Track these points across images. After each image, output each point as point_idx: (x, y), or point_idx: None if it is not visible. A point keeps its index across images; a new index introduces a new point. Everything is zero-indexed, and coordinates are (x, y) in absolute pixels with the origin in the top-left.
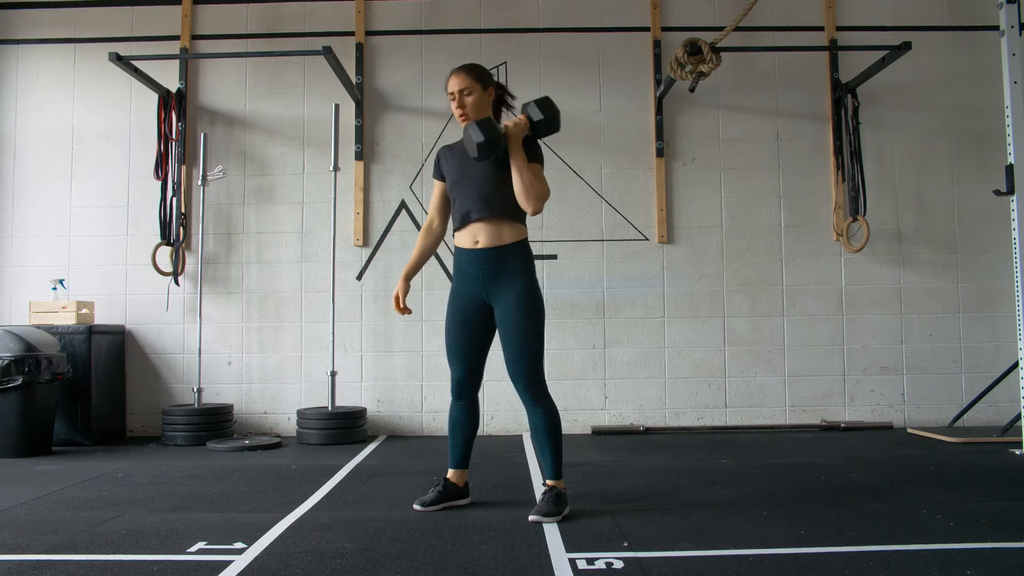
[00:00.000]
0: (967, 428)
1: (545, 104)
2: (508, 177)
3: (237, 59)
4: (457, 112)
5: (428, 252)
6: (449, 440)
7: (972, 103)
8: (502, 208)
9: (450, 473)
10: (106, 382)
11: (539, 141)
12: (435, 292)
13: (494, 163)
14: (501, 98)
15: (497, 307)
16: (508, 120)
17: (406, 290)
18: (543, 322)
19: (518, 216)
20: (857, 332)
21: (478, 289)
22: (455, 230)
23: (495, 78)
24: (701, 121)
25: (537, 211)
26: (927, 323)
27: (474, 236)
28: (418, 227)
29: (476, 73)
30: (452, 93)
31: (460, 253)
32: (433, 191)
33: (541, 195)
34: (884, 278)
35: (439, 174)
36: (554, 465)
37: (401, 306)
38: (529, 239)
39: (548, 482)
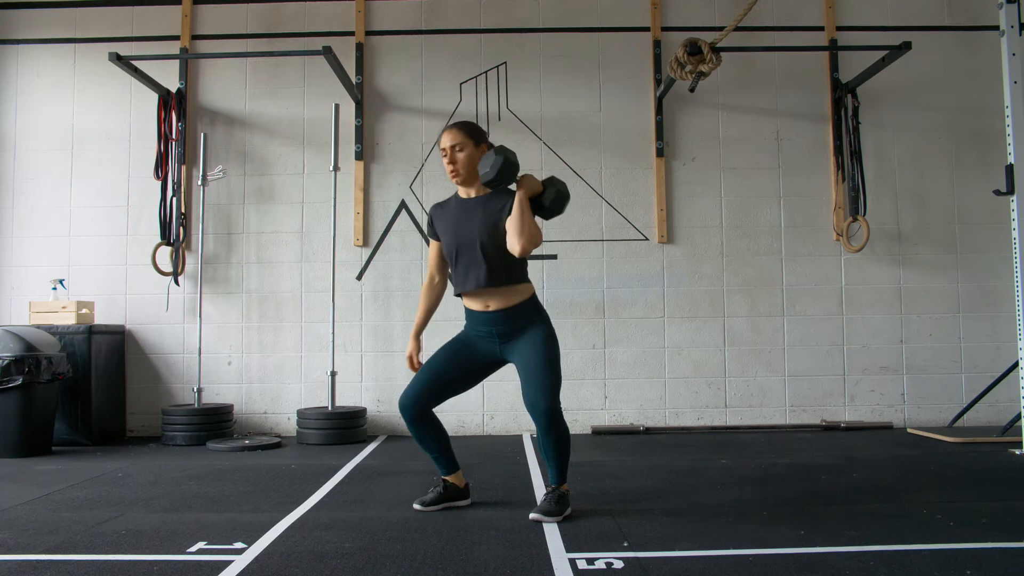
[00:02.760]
0: (967, 428)
1: (560, 197)
2: (504, 243)
3: (237, 59)
4: (448, 168)
5: (433, 308)
6: (427, 455)
7: (972, 103)
8: (507, 275)
9: (446, 477)
10: (106, 382)
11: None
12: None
13: (492, 229)
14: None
15: (515, 357)
16: (529, 174)
17: (418, 349)
18: (559, 361)
19: (523, 277)
20: (857, 332)
21: (492, 347)
22: (460, 293)
23: (487, 136)
24: (701, 121)
25: (524, 252)
26: (927, 323)
27: (485, 302)
28: (418, 227)
29: (469, 129)
30: (444, 148)
31: (472, 315)
32: (430, 250)
33: (532, 237)
34: (884, 278)
35: (434, 234)
36: (559, 474)
37: (415, 365)
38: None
39: (552, 484)
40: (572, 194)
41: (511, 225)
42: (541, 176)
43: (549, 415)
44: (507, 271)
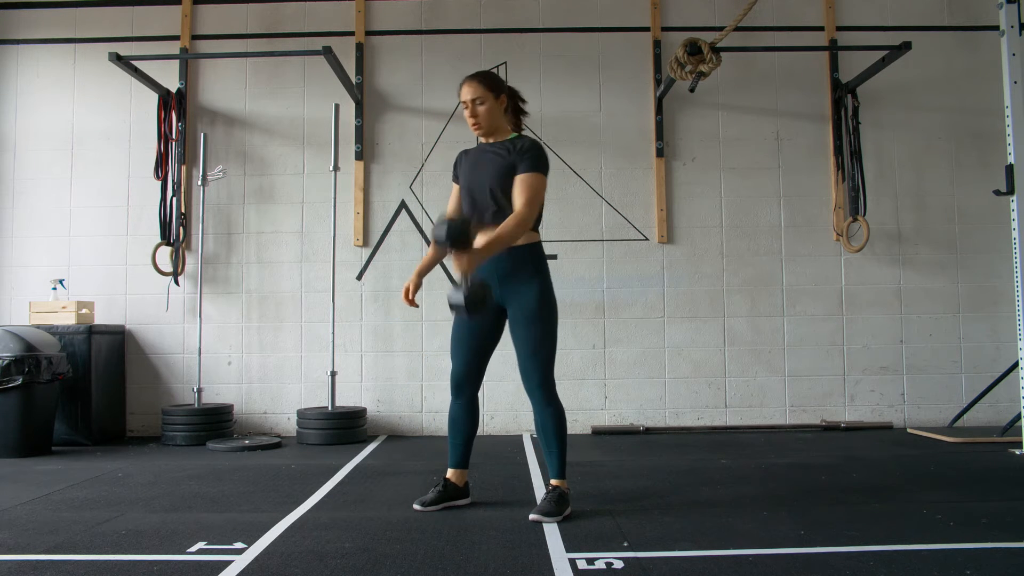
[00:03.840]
0: (967, 428)
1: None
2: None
3: (237, 59)
4: (470, 121)
5: (444, 252)
6: (449, 440)
7: (972, 103)
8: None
9: (450, 473)
10: (106, 382)
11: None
12: (435, 292)
13: (504, 170)
14: (515, 104)
15: (511, 309)
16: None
17: (417, 285)
18: (556, 324)
19: (535, 225)
20: (857, 332)
21: (494, 288)
22: None
23: (506, 84)
24: (701, 121)
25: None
26: (927, 323)
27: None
28: (418, 227)
29: (488, 81)
30: (464, 102)
31: None
32: (451, 194)
33: (515, 236)
34: (884, 278)
35: (455, 176)
36: (559, 465)
37: (410, 297)
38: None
39: (553, 482)
40: (572, 195)
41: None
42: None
43: (544, 387)
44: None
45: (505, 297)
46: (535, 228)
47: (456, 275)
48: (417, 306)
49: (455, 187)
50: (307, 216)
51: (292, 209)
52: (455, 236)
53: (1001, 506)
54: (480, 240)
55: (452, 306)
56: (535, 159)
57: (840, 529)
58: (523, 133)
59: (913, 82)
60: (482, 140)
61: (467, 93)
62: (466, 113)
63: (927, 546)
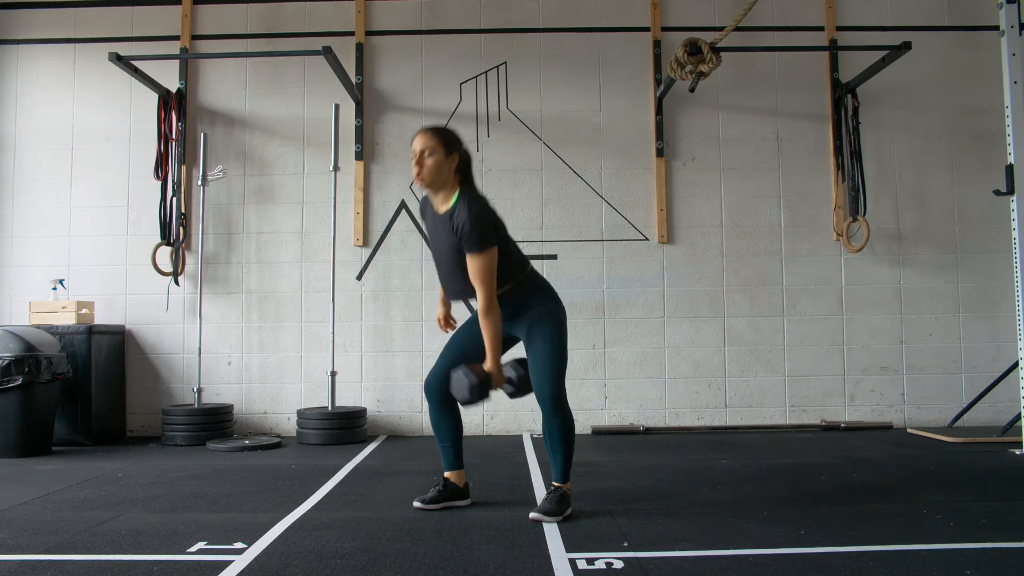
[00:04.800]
0: (967, 428)
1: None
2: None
3: (237, 59)
4: (415, 169)
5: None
6: (437, 444)
7: (972, 103)
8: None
9: (448, 474)
10: (106, 382)
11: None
12: (435, 292)
13: (455, 248)
14: (467, 165)
15: (523, 334)
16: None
17: (447, 312)
18: (566, 337)
19: (510, 276)
20: (857, 332)
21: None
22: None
23: (463, 145)
24: (701, 121)
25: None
26: (927, 323)
27: None
28: (418, 227)
29: (443, 137)
30: (414, 151)
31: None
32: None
33: (494, 313)
34: (884, 278)
35: (423, 222)
36: (563, 469)
37: (443, 325)
38: (532, 262)
39: (554, 483)
40: (572, 195)
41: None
42: None
43: (554, 399)
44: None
45: (515, 328)
46: (521, 267)
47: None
48: (454, 325)
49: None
50: (307, 216)
51: (292, 209)
52: (480, 393)
53: (1001, 506)
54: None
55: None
56: (476, 239)
57: (840, 529)
58: (465, 188)
59: (913, 82)
60: (431, 197)
61: (419, 143)
62: (412, 160)
63: (927, 546)
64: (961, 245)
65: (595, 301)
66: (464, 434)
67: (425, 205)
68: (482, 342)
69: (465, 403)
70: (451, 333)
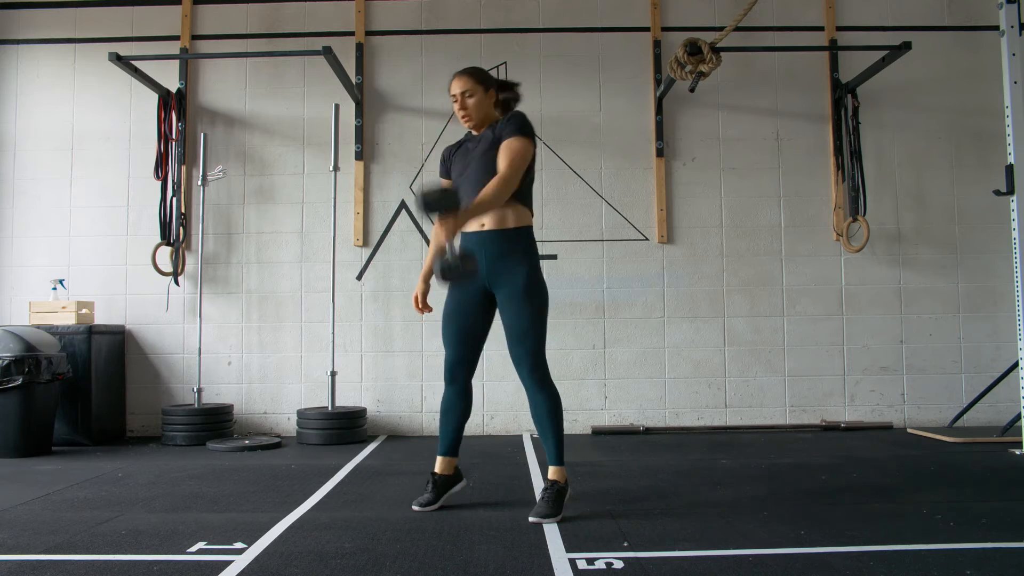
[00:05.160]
0: (967, 428)
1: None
2: None
3: (237, 59)
4: (460, 113)
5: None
6: (440, 427)
7: (972, 103)
8: None
9: (438, 464)
10: (106, 382)
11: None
12: (435, 291)
13: (490, 153)
14: (505, 99)
15: (500, 292)
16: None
17: (426, 290)
18: (547, 307)
19: (522, 200)
20: (857, 332)
21: (481, 273)
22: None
23: (497, 78)
24: (701, 121)
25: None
26: (927, 323)
27: (480, 219)
28: (418, 227)
29: (477, 76)
30: (454, 95)
31: (465, 237)
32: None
33: (500, 199)
34: (884, 278)
35: (445, 172)
36: (556, 451)
37: (421, 305)
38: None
39: (550, 472)
40: (572, 195)
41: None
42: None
43: (535, 369)
44: None
45: (494, 281)
46: (528, 205)
47: (441, 243)
48: (431, 310)
49: (445, 183)
50: (307, 216)
51: (292, 209)
52: (437, 203)
53: (1001, 506)
54: (490, 213)
55: (437, 275)
56: (518, 125)
57: (840, 529)
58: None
59: (913, 82)
60: (473, 133)
61: (457, 86)
62: (456, 107)
63: (927, 546)
64: (961, 245)
65: (595, 301)
66: (464, 434)
67: (449, 151)
68: (481, 326)
69: (440, 275)
70: (405, 316)
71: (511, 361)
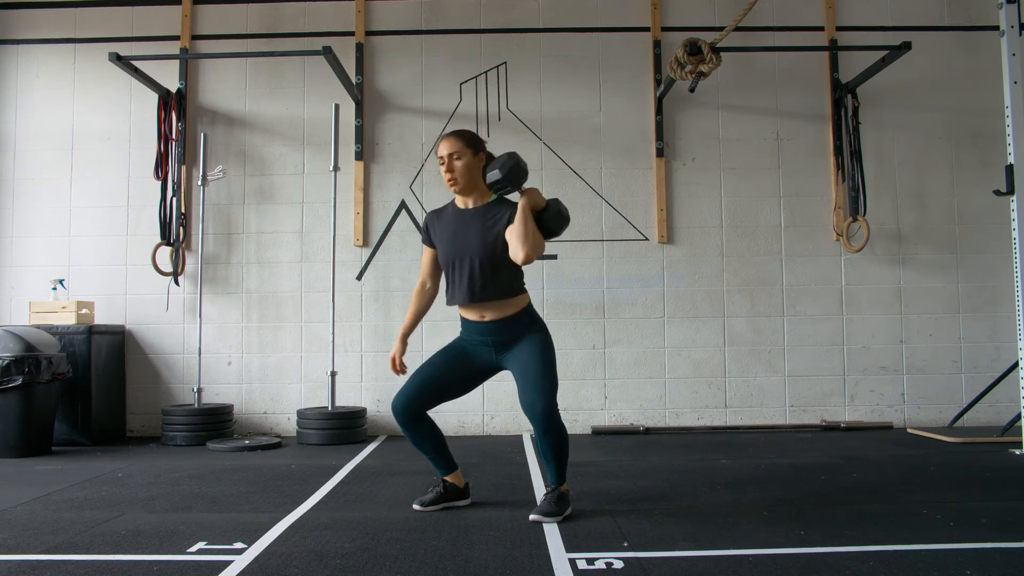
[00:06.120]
0: (967, 428)
1: (560, 218)
2: (503, 254)
3: (237, 59)
4: (446, 176)
5: (424, 311)
6: (424, 456)
7: (972, 103)
8: (503, 288)
9: (446, 477)
10: (106, 382)
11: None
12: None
13: (490, 241)
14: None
15: (512, 363)
16: (535, 188)
17: (403, 351)
18: (555, 365)
19: (518, 288)
20: (857, 332)
21: (489, 354)
22: (455, 302)
23: (485, 145)
24: (701, 121)
25: (528, 260)
26: (927, 323)
27: (480, 313)
28: (418, 227)
29: (467, 138)
30: (441, 157)
31: (468, 324)
32: (423, 256)
33: (536, 246)
34: (884, 278)
35: (428, 241)
36: (558, 474)
37: (398, 367)
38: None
39: (551, 484)
40: (572, 195)
41: (515, 233)
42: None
43: (546, 416)
44: (502, 284)
45: (503, 360)
46: (523, 289)
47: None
48: (406, 371)
49: (429, 251)
50: (307, 216)
51: (292, 209)
52: (523, 174)
53: (1001, 506)
54: (490, 308)
55: (505, 171)
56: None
57: (840, 529)
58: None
59: (913, 82)
60: (457, 201)
61: (445, 148)
62: (442, 169)
63: (927, 546)
64: (961, 245)
65: (595, 301)
66: (464, 434)
67: (434, 218)
68: (463, 388)
69: (499, 177)
70: (403, 374)
71: (520, 406)
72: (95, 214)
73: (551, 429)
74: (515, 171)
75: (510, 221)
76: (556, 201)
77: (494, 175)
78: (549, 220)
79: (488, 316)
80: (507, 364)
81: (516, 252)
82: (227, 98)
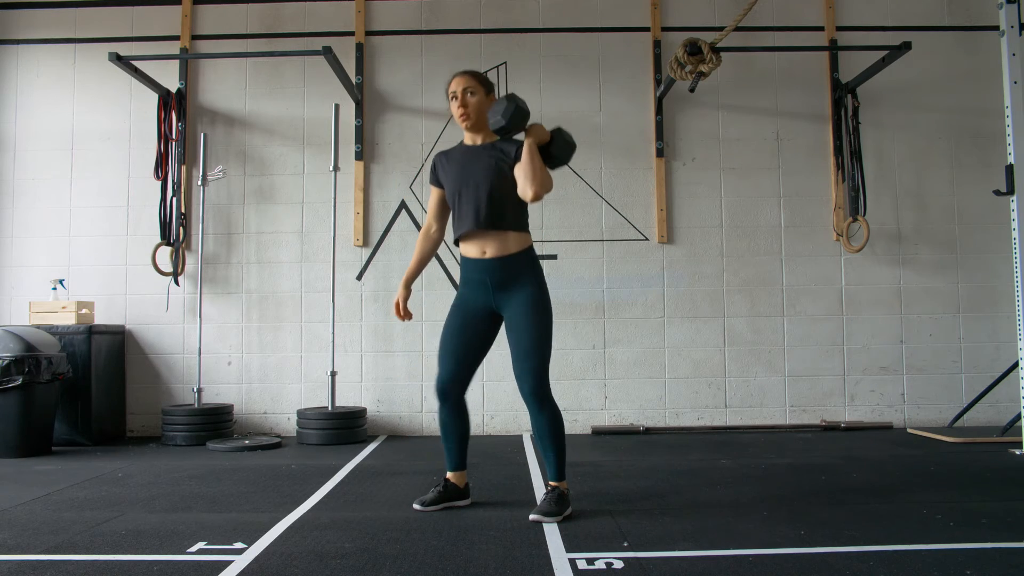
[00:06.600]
0: (967, 428)
1: (567, 147)
2: (510, 187)
3: (237, 59)
4: (459, 112)
5: (427, 257)
6: (443, 444)
7: (972, 103)
8: (507, 219)
9: (449, 475)
10: (106, 382)
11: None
12: (435, 292)
13: (497, 172)
14: None
15: (507, 313)
16: (538, 123)
17: (407, 296)
18: (551, 329)
19: (523, 225)
20: (857, 332)
21: (487, 297)
22: (458, 239)
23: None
24: (701, 121)
25: (537, 197)
26: (927, 323)
27: (481, 247)
28: (418, 227)
29: (480, 77)
30: (455, 92)
31: (468, 263)
32: (431, 197)
33: (544, 183)
34: (884, 278)
35: (436, 181)
36: (557, 468)
37: (402, 312)
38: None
39: (551, 483)
40: (572, 195)
41: (523, 171)
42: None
43: (539, 390)
44: (507, 215)
45: (500, 303)
46: (526, 228)
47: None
48: (412, 317)
49: (436, 191)
50: (307, 216)
51: (292, 209)
52: (525, 116)
53: (1001, 506)
54: (491, 241)
55: (504, 114)
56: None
57: (840, 529)
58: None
59: (913, 82)
60: (465, 138)
61: (459, 84)
62: (455, 105)
63: (927, 546)
64: (961, 245)
65: (595, 301)
66: None
67: (442, 157)
68: (482, 345)
69: (499, 122)
70: (408, 320)
71: (514, 377)
72: (95, 214)
73: (544, 405)
74: (518, 114)
75: (517, 157)
76: (560, 130)
77: (497, 121)
78: (557, 150)
79: (489, 252)
80: (503, 311)
81: (525, 190)
82: (227, 98)
